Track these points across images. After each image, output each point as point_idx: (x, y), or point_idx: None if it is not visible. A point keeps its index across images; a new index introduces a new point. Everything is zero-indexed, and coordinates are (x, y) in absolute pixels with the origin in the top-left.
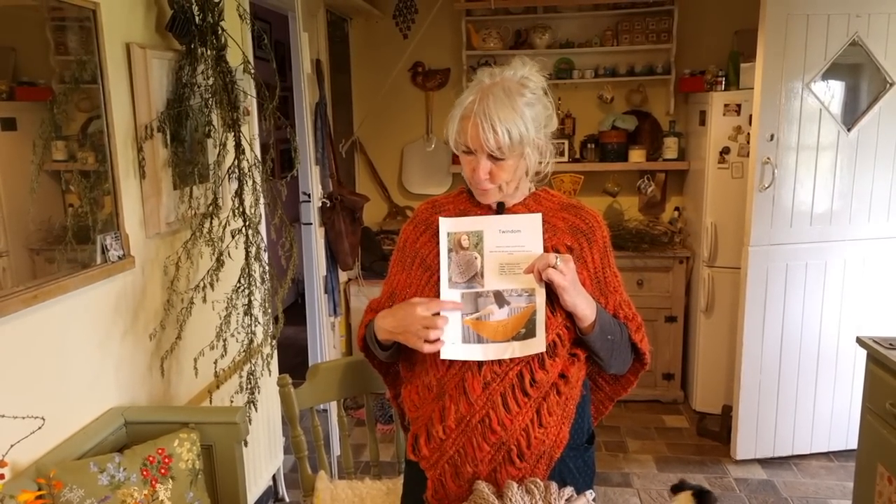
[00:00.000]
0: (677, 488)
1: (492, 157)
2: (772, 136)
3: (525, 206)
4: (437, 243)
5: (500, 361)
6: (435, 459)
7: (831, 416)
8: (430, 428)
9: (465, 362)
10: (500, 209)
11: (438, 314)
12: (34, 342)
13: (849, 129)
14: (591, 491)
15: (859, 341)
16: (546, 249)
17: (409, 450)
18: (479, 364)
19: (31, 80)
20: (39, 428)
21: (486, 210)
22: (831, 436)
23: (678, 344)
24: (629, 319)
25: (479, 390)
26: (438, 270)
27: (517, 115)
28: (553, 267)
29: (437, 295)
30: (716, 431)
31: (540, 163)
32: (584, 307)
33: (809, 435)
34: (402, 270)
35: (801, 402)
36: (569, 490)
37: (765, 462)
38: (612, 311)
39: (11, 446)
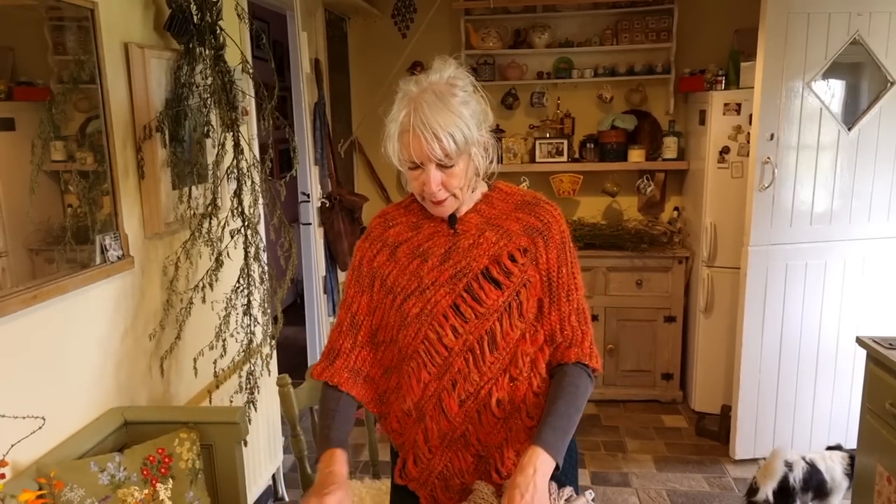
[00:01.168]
0: (832, 448)
1: (440, 166)
2: (772, 136)
3: (477, 213)
4: (396, 262)
5: (469, 380)
6: (424, 478)
7: (830, 415)
8: (415, 450)
9: (439, 382)
10: (452, 221)
11: None
12: (34, 342)
13: (849, 129)
14: (590, 491)
15: (859, 341)
16: (501, 256)
17: (396, 475)
18: (453, 383)
19: (30, 80)
20: (40, 428)
21: (439, 222)
22: (830, 436)
23: (677, 344)
24: (577, 342)
25: (455, 408)
26: (401, 293)
27: (456, 116)
28: None
29: (403, 320)
30: (715, 431)
31: (489, 161)
32: (549, 476)
33: (808, 435)
34: (361, 293)
35: (800, 402)
36: (568, 490)
37: None
38: (556, 326)
39: (12, 446)
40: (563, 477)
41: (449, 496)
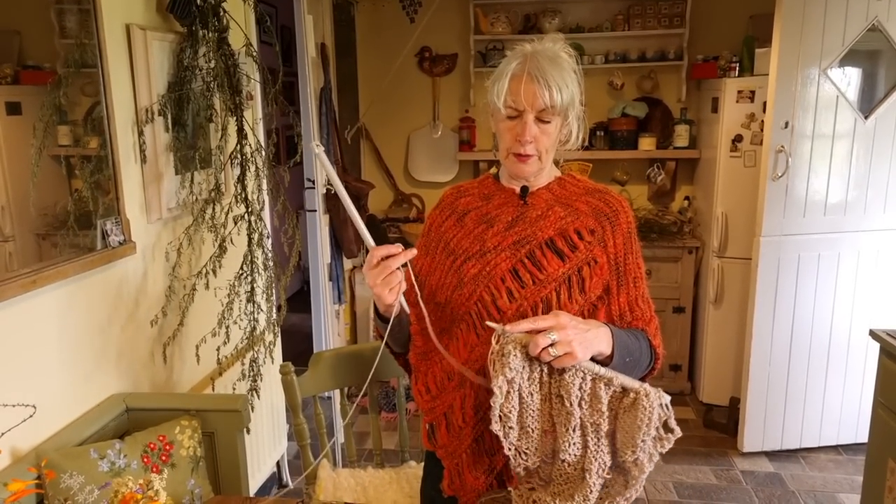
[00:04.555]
0: None
1: (538, 120)
2: (786, 124)
3: (549, 191)
4: (462, 227)
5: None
6: (453, 448)
7: (841, 409)
8: (449, 416)
9: (487, 348)
10: (524, 193)
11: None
12: (34, 327)
13: (866, 117)
14: (665, 394)
15: (872, 334)
16: (567, 230)
17: (424, 440)
18: None
19: (37, 64)
20: (31, 416)
21: (510, 195)
22: (840, 429)
23: (686, 335)
24: (646, 321)
25: None
26: (462, 255)
27: (567, 74)
28: (546, 353)
29: (460, 280)
30: (723, 423)
31: (578, 134)
32: (600, 347)
33: (818, 428)
34: (426, 255)
35: (810, 394)
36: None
37: (772, 455)
38: (625, 306)
39: (2, 434)
40: None
41: (475, 475)
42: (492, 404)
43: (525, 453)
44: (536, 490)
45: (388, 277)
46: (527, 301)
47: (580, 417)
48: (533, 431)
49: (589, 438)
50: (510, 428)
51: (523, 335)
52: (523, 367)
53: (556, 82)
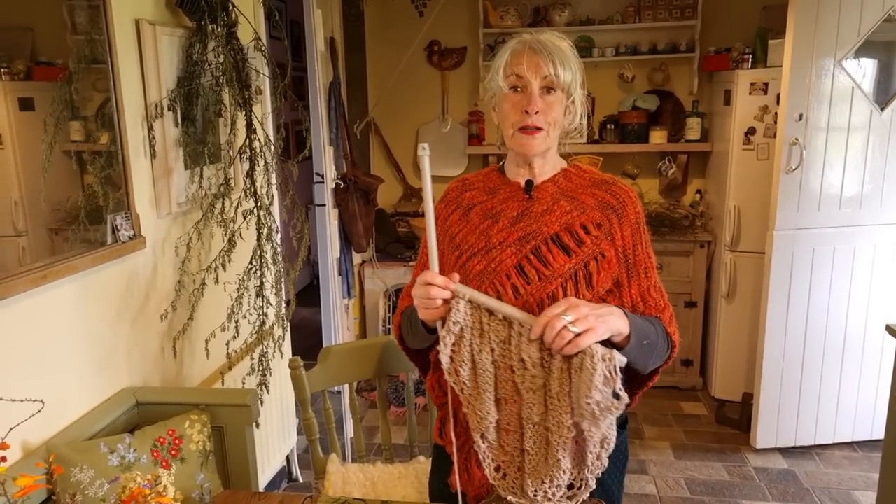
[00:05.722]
0: None
1: (543, 90)
2: (800, 116)
3: (554, 183)
4: (468, 222)
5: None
6: (461, 443)
7: (856, 405)
8: (458, 411)
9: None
10: (529, 187)
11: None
12: (45, 322)
13: (882, 109)
14: (620, 355)
15: (889, 329)
16: (573, 224)
17: (436, 433)
18: None
19: (49, 61)
20: (39, 411)
21: (516, 188)
22: (856, 425)
23: (698, 330)
24: (660, 310)
25: None
26: (468, 251)
27: (568, 56)
28: (566, 332)
29: (465, 277)
30: (735, 419)
31: (581, 118)
32: (618, 325)
33: (833, 424)
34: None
35: (824, 390)
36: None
37: (786, 451)
38: (637, 297)
39: (10, 429)
40: (608, 478)
41: (482, 472)
42: (440, 352)
43: (480, 415)
44: (523, 473)
45: (427, 301)
46: (532, 297)
47: (542, 378)
48: (484, 393)
49: (547, 399)
50: (464, 383)
51: (474, 292)
52: (473, 323)
53: (559, 56)
